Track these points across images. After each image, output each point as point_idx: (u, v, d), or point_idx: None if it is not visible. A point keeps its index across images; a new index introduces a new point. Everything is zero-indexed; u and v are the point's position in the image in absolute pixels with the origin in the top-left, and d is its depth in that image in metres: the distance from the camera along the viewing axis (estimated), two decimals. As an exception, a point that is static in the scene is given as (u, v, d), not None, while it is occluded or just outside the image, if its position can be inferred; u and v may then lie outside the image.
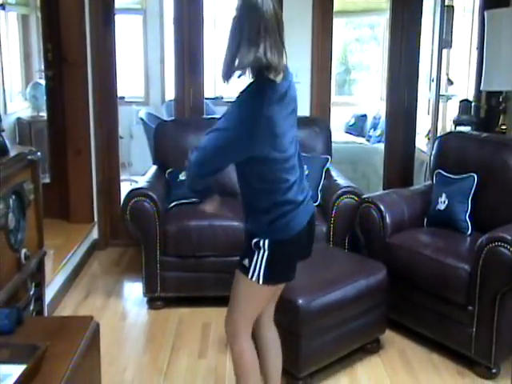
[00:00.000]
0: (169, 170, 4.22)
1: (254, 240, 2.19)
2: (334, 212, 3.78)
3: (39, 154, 2.75)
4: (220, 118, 2.13)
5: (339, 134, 7.39)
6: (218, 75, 7.83)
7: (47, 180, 4.83)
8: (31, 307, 2.65)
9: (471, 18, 5.92)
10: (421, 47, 4.94)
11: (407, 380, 3.08)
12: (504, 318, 2.99)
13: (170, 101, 6.61)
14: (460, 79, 6.25)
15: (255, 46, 1.99)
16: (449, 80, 6.29)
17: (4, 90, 5.66)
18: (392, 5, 4.90)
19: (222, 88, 7.93)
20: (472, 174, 3.56)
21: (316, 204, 3.93)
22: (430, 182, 3.95)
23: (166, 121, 5.41)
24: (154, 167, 4.39)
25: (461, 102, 5.31)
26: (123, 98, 6.51)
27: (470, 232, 3.49)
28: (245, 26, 2.01)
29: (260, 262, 2.18)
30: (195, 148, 2.15)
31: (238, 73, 2.09)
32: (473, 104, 5.19)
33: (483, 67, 4.36)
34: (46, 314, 2.92)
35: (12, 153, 2.55)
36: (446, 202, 3.58)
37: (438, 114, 5.27)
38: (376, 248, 3.55)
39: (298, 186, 2.21)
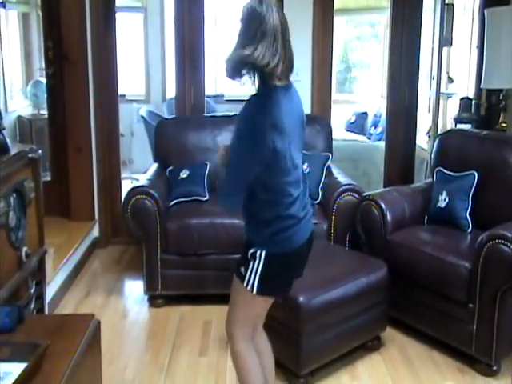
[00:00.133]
0: (170, 168, 4.22)
1: (251, 250, 2.21)
2: (334, 210, 3.78)
3: (40, 152, 2.75)
4: (235, 127, 2.14)
5: (340, 132, 7.38)
6: (218, 73, 7.85)
7: (48, 178, 4.82)
8: (32, 305, 2.66)
9: (471, 16, 5.90)
10: (421, 45, 4.92)
11: (408, 377, 3.08)
12: (504, 316, 2.99)
13: (171, 99, 6.61)
14: (460, 77, 6.23)
15: (248, 46, 2.04)
16: (449, 78, 6.28)
17: (5, 88, 5.66)
18: (392, 3, 4.89)
19: (223, 86, 7.93)
20: (472, 171, 3.56)
21: (317, 202, 3.94)
22: (430, 180, 3.95)
23: (166, 119, 5.42)
24: (155, 165, 4.38)
25: (461, 99, 5.30)
26: (124, 95, 6.50)
27: (470, 229, 3.49)
28: (244, 28, 2.09)
29: (255, 272, 2.20)
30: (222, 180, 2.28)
31: (244, 78, 2.12)
32: (473, 102, 5.18)
33: (483, 65, 4.36)
34: (46, 312, 2.93)
35: (13, 151, 2.56)
36: (447, 200, 3.58)
37: (438, 112, 5.27)
38: (377, 245, 3.56)
39: (301, 202, 2.23)
